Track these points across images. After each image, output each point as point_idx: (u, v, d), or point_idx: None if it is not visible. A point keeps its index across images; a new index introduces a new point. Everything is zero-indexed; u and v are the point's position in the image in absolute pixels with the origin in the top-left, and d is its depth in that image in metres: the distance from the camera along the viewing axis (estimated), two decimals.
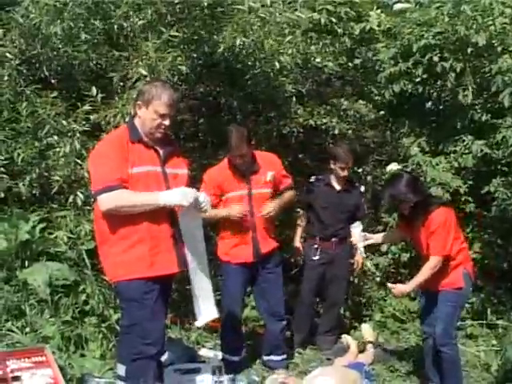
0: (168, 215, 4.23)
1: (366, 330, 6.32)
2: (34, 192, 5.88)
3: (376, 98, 8.10)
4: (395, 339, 6.90)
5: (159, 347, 4.28)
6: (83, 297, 5.51)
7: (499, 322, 6.87)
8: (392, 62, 7.08)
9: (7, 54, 5.78)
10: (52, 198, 5.95)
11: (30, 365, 4.53)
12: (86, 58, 5.95)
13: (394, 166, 6.97)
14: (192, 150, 7.12)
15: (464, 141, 6.86)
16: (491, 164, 7.01)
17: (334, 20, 7.35)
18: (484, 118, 6.85)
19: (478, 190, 6.95)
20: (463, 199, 7.06)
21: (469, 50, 6.67)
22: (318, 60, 7.23)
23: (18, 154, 5.65)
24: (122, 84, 5.96)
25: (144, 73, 5.62)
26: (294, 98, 7.14)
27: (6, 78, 5.72)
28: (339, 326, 6.64)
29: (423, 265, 5.19)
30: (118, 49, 6.10)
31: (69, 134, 5.66)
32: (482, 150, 6.70)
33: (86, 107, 5.75)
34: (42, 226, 5.78)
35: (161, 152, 4.29)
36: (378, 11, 7.67)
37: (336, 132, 7.57)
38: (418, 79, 7.05)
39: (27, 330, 5.12)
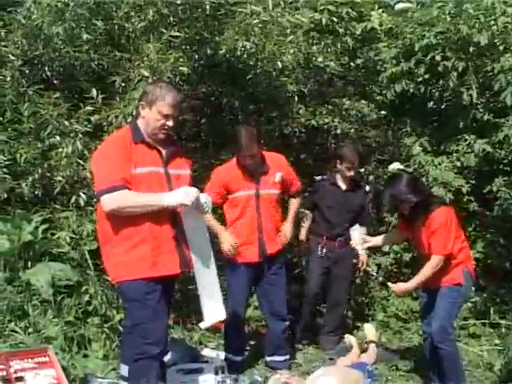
0: (170, 216, 4.23)
1: (369, 330, 6.32)
2: (36, 193, 5.89)
3: (378, 97, 8.10)
4: (398, 339, 6.90)
5: (162, 347, 4.27)
6: (86, 297, 5.51)
7: (502, 321, 6.87)
8: (394, 61, 7.08)
9: (9, 55, 5.78)
10: (54, 198, 5.95)
11: (34, 365, 4.55)
12: (87, 59, 5.95)
13: (396, 166, 6.96)
14: (194, 150, 7.12)
15: (466, 140, 6.86)
16: (493, 163, 7.01)
17: (335, 20, 7.37)
18: (486, 117, 6.85)
19: (480, 190, 6.96)
20: (465, 199, 7.06)
21: (471, 50, 6.68)
22: (319, 60, 7.23)
23: (21, 155, 5.65)
24: (123, 85, 5.96)
25: (146, 74, 5.63)
26: (296, 98, 7.14)
27: (8, 78, 5.72)
28: (342, 326, 6.64)
29: (424, 264, 5.19)
30: (120, 49, 6.10)
31: (71, 135, 5.67)
32: (484, 150, 6.69)
33: (88, 108, 5.76)
34: (44, 226, 5.78)
35: (163, 152, 4.29)
36: (380, 11, 7.67)
37: (338, 132, 7.57)
38: (419, 79, 7.05)
39: (30, 330, 5.12)
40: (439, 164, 6.83)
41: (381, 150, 8.24)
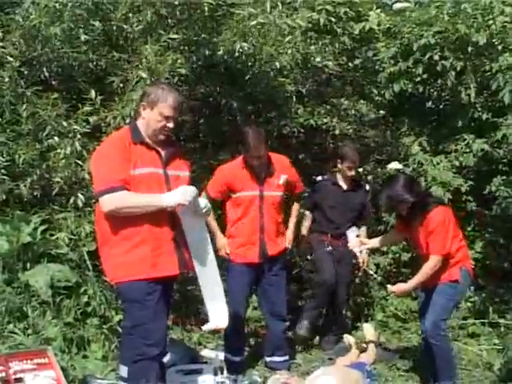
0: (169, 217, 4.22)
1: (368, 330, 6.31)
2: (35, 194, 5.88)
3: (376, 97, 8.11)
4: (397, 339, 6.91)
5: (161, 348, 4.26)
6: (85, 298, 5.50)
7: (501, 320, 6.86)
8: (392, 61, 7.08)
9: (7, 56, 5.77)
10: (53, 199, 5.94)
11: (33, 366, 4.53)
12: (85, 59, 5.95)
13: (394, 165, 6.98)
14: (193, 150, 7.12)
15: (465, 139, 6.87)
16: (492, 163, 7.02)
17: (333, 20, 7.36)
18: (485, 116, 6.85)
19: (479, 190, 6.96)
20: (464, 198, 7.06)
21: (469, 49, 6.69)
22: (317, 60, 7.23)
23: (19, 156, 5.64)
24: (121, 86, 5.96)
25: (144, 75, 5.62)
26: (294, 98, 7.13)
27: (6, 79, 5.70)
28: (341, 326, 6.63)
29: (423, 264, 5.20)
30: (118, 50, 6.10)
31: (69, 136, 5.66)
32: (482, 149, 6.70)
33: (87, 108, 5.75)
34: (43, 227, 5.77)
35: (162, 154, 4.29)
36: (378, 11, 7.66)
37: (337, 132, 7.57)
38: (418, 79, 7.05)
39: (29, 331, 5.11)
40: (438, 163, 6.84)
41: (379, 150, 8.25)
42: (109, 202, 4.07)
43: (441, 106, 7.52)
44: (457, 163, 6.85)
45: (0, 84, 5.72)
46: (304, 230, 6.57)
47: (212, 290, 4.50)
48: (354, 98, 8.10)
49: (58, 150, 5.62)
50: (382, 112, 8.22)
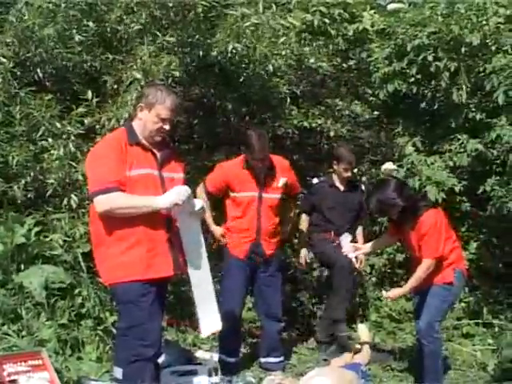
0: (164, 219, 4.22)
1: (363, 331, 6.30)
2: (29, 196, 5.87)
3: (370, 98, 8.11)
4: (391, 339, 6.90)
5: (156, 349, 4.26)
6: (79, 300, 5.48)
7: (495, 321, 6.88)
8: (386, 62, 7.08)
9: (1, 57, 5.75)
10: (47, 201, 5.93)
11: (27, 368, 4.51)
12: (79, 60, 5.94)
13: (389, 166, 6.98)
14: (187, 152, 7.12)
15: (459, 140, 6.87)
16: (486, 163, 7.02)
17: (327, 21, 7.37)
18: (478, 117, 6.85)
19: (473, 190, 6.96)
20: (458, 199, 7.07)
21: (463, 50, 6.68)
22: (312, 61, 7.24)
23: (13, 158, 5.63)
24: (115, 87, 5.95)
25: (138, 76, 5.62)
26: (289, 99, 7.13)
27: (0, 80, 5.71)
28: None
29: (415, 266, 5.22)
30: (112, 51, 6.09)
31: (63, 137, 5.65)
32: (476, 149, 6.70)
33: (81, 109, 5.75)
34: (37, 229, 5.75)
35: (158, 155, 4.29)
36: (372, 12, 7.67)
37: (331, 134, 7.57)
38: (412, 79, 7.05)
39: (23, 333, 5.08)
40: (432, 163, 6.83)
41: (374, 151, 8.27)
42: (103, 203, 4.06)
43: (435, 107, 7.50)
44: (451, 163, 6.84)
45: None
46: (303, 234, 6.56)
47: (204, 293, 4.49)
48: (348, 98, 8.10)
49: (52, 152, 5.61)
50: (376, 113, 8.23)
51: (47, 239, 5.74)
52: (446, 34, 6.71)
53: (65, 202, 5.69)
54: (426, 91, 7.33)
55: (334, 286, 6.29)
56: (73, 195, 5.64)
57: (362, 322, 6.95)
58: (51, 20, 5.70)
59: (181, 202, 4.15)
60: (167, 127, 4.24)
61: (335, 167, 6.39)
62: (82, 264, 5.57)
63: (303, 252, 6.57)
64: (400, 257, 7.49)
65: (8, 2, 6.09)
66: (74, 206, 5.66)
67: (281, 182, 5.62)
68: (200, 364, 5.51)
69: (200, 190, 5.64)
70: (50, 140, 5.65)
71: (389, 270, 7.75)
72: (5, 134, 5.82)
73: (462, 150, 6.85)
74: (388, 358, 6.24)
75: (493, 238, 7.45)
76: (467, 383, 5.83)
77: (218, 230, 5.75)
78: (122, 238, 4.13)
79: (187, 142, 7.49)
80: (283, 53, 6.64)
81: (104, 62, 6.05)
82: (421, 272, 5.15)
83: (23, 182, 5.73)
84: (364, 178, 7.98)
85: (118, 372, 4.26)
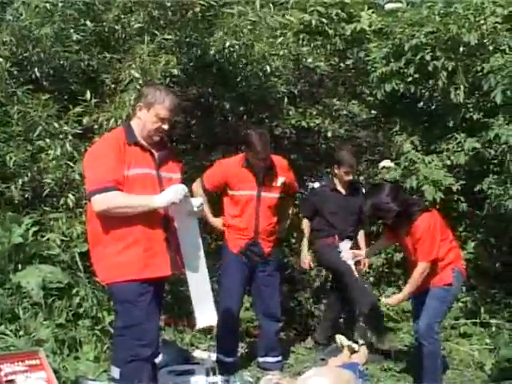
0: (162, 219, 4.22)
1: (360, 331, 6.32)
2: (26, 195, 5.87)
3: (368, 98, 8.11)
4: (389, 339, 6.90)
5: (154, 349, 4.26)
6: (77, 299, 5.49)
7: (493, 320, 6.88)
8: (384, 61, 7.08)
9: None
10: (44, 200, 5.93)
11: (24, 368, 4.52)
12: (77, 59, 5.93)
13: (386, 163, 6.99)
14: (185, 151, 7.12)
15: (457, 139, 6.87)
16: (484, 163, 7.02)
17: (325, 21, 7.38)
18: (476, 116, 6.86)
19: (470, 189, 6.96)
20: (456, 198, 7.07)
21: (461, 49, 6.69)
22: (309, 61, 7.25)
23: (10, 158, 5.63)
24: (113, 86, 5.95)
25: (137, 75, 5.62)
26: (286, 99, 7.14)
27: None
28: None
29: (412, 269, 5.25)
30: (110, 51, 6.09)
31: (60, 137, 5.65)
32: (474, 148, 6.71)
33: (78, 109, 5.75)
34: (34, 229, 5.75)
35: (156, 155, 4.29)
36: (370, 11, 7.68)
37: (329, 134, 7.57)
38: (409, 79, 7.05)
39: (21, 333, 5.09)
40: (429, 162, 6.84)
41: (371, 150, 8.27)
42: (101, 202, 4.05)
43: (433, 107, 7.52)
44: (448, 162, 6.84)
45: None
46: (305, 239, 6.50)
47: (201, 290, 4.48)
48: (345, 98, 8.10)
49: (49, 152, 5.60)
50: (373, 112, 8.23)
51: (44, 239, 5.74)
52: (444, 34, 6.71)
53: (62, 201, 5.69)
54: (423, 91, 7.33)
55: (341, 289, 6.31)
56: (70, 195, 5.64)
57: (359, 321, 6.95)
58: (48, 19, 5.70)
59: (178, 201, 4.15)
60: (166, 127, 4.24)
61: (336, 171, 6.35)
62: (80, 264, 5.57)
63: (307, 258, 6.51)
64: (398, 256, 7.49)
65: (5, 1, 6.07)
66: (71, 205, 5.66)
67: (279, 181, 5.63)
68: (197, 364, 5.52)
69: (196, 186, 5.61)
70: (47, 140, 5.64)
71: (387, 270, 7.76)
72: (2, 134, 5.82)
73: (459, 149, 6.86)
74: (385, 359, 6.23)
75: (490, 238, 7.45)
76: (465, 383, 5.83)
77: (217, 221, 5.76)
78: (120, 237, 4.13)
79: (185, 141, 7.49)
80: (281, 53, 6.65)
81: (102, 61, 6.04)
82: (417, 275, 5.16)
83: (20, 181, 5.73)
84: (362, 178, 7.99)
85: (116, 372, 4.25)
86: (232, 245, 5.65)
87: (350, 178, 6.34)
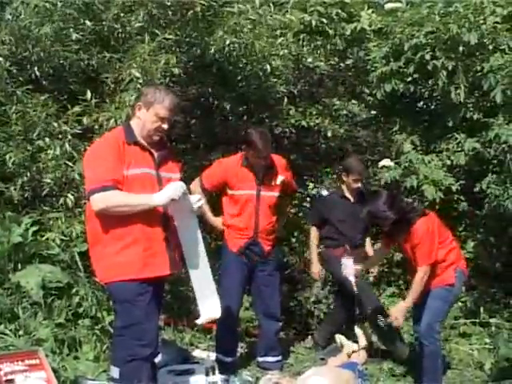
0: (161, 218, 4.23)
1: (360, 334, 6.31)
2: (25, 195, 5.87)
3: (368, 97, 8.11)
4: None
5: (153, 348, 4.27)
6: (76, 299, 5.49)
7: (492, 320, 6.88)
8: (383, 61, 7.08)
9: None
10: (44, 200, 5.93)
11: (24, 368, 4.52)
12: (77, 58, 5.93)
13: (386, 163, 6.98)
14: (184, 151, 7.12)
15: (456, 139, 6.87)
16: (483, 163, 7.02)
17: (325, 21, 7.38)
18: (476, 116, 6.85)
19: (470, 189, 6.96)
20: (455, 198, 7.07)
21: (460, 49, 6.67)
22: (309, 60, 7.25)
23: (10, 157, 5.63)
24: (113, 86, 5.95)
25: (137, 75, 5.61)
26: (286, 99, 7.14)
27: None
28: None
29: (412, 272, 5.27)
30: (110, 50, 6.09)
31: (60, 136, 5.65)
32: (474, 148, 6.71)
33: (77, 109, 5.75)
34: (34, 228, 5.76)
35: (155, 155, 4.29)
36: (369, 11, 7.67)
37: (329, 134, 7.56)
38: (409, 78, 7.05)
39: (20, 332, 5.09)
40: (429, 162, 6.83)
41: (371, 150, 8.26)
42: (100, 201, 4.06)
43: (432, 106, 7.51)
44: (448, 162, 6.84)
45: None
46: (314, 249, 6.45)
47: (204, 285, 4.51)
48: (345, 98, 8.10)
49: (48, 151, 5.60)
50: (373, 112, 8.22)
51: (44, 238, 5.74)
52: (444, 33, 6.70)
53: (61, 201, 5.69)
54: (423, 90, 7.33)
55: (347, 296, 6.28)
56: (69, 194, 5.64)
57: (359, 321, 6.95)
58: (48, 19, 5.71)
59: (177, 197, 4.16)
60: (165, 126, 4.25)
61: (345, 178, 6.31)
62: (79, 263, 5.57)
63: (317, 269, 6.48)
64: (398, 256, 7.48)
65: (4, 0, 6.08)
66: (71, 205, 5.66)
67: (278, 180, 5.62)
68: (197, 363, 5.51)
69: (195, 185, 5.58)
70: (46, 139, 5.64)
71: (387, 270, 7.75)
72: (1, 134, 5.82)
73: (459, 149, 6.85)
74: (385, 359, 6.22)
75: (490, 238, 7.44)
76: (464, 382, 5.84)
77: (217, 221, 5.74)
78: (119, 237, 4.14)
79: (185, 141, 7.49)
80: (281, 53, 6.66)
81: (101, 60, 6.04)
82: (418, 280, 5.15)
83: (20, 181, 5.73)
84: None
85: (115, 371, 4.26)
86: (232, 244, 5.64)
87: (359, 185, 6.30)
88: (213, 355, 5.68)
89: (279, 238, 5.98)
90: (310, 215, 6.68)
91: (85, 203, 4.74)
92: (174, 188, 4.18)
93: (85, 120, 5.78)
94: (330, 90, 8.19)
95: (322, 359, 6.13)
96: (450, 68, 6.69)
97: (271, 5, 6.57)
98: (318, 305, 7.15)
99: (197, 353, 5.89)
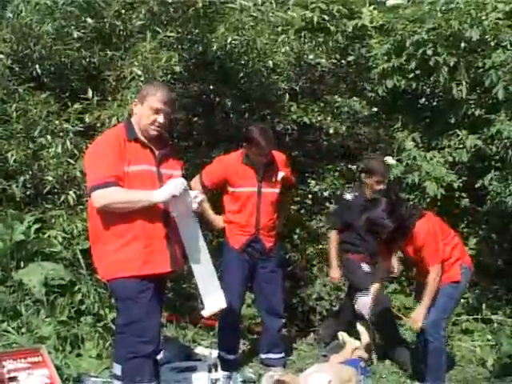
0: (162, 215, 4.23)
1: (362, 331, 6.30)
2: (27, 193, 5.87)
3: (369, 94, 8.10)
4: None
5: (155, 345, 4.26)
6: (79, 296, 5.50)
7: (494, 316, 6.87)
8: (385, 58, 7.07)
9: None
10: (45, 198, 5.94)
11: (27, 365, 4.55)
12: (78, 56, 5.94)
13: (388, 160, 6.97)
14: (186, 148, 7.12)
15: (458, 135, 6.86)
16: (485, 159, 7.02)
17: (326, 18, 7.38)
18: (478, 112, 6.85)
19: (472, 186, 6.96)
20: (457, 194, 7.07)
21: (462, 45, 6.67)
22: (311, 57, 7.25)
23: (12, 155, 5.63)
24: (115, 84, 5.95)
25: (139, 72, 5.61)
26: (288, 96, 7.14)
27: None
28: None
29: (421, 275, 5.28)
30: (111, 48, 6.09)
31: (61, 134, 5.65)
32: (476, 145, 6.70)
33: (77, 106, 5.75)
34: (36, 226, 5.76)
35: (156, 152, 4.29)
36: (371, 8, 7.67)
37: (331, 131, 7.56)
38: (411, 75, 7.04)
39: (23, 330, 5.11)
40: (431, 159, 6.83)
41: (373, 147, 8.24)
42: (101, 197, 4.07)
43: (434, 103, 7.51)
44: (450, 159, 6.83)
45: None
46: (333, 253, 6.28)
47: (207, 280, 4.51)
48: (347, 94, 8.09)
49: (50, 149, 5.61)
50: (375, 109, 8.21)
51: (46, 236, 5.74)
52: (445, 30, 6.70)
53: (63, 198, 5.70)
54: (425, 87, 7.33)
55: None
56: (71, 192, 5.65)
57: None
58: (49, 16, 5.71)
59: (178, 194, 4.16)
60: (161, 120, 4.23)
61: (367, 180, 6.10)
62: (82, 261, 5.58)
63: (337, 273, 6.34)
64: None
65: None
66: (72, 202, 5.67)
67: (279, 176, 5.60)
68: (199, 360, 5.53)
69: (195, 182, 5.54)
70: (48, 137, 5.64)
71: None
72: (3, 132, 5.83)
73: (461, 145, 6.85)
74: (386, 357, 6.22)
75: (492, 234, 7.43)
76: (466, 379, 5.83)
77: (218, 218, 5.72)
78: (119, 234, 4.14)
79: (186, 138, 7.48)
80: (282, 50, 6.65)
81: (103, 58, 6.04)
82: (432, 280, 5.13)
83: (22, 179, 5.74)
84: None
85: (117, 368, 4.27)
86: (233, 241, 5.63)
87: (381, 187, 6.07)
88: (215, 352, 5.68)
89: (280, 234, 5.96)
90: (332, 220, 6.47)
91: (86, 201, 4.76)
92: (174, 184, 4.18)
93: (86, 118, 5.80)
94: (331, 87, 8.18)
95: (325, 356, 6.13)
96: (451, 64, 6.69)
97: (273, 2, 6.57)
98: (320, 302, 7.13)
99: (199, 350, 5.89)
